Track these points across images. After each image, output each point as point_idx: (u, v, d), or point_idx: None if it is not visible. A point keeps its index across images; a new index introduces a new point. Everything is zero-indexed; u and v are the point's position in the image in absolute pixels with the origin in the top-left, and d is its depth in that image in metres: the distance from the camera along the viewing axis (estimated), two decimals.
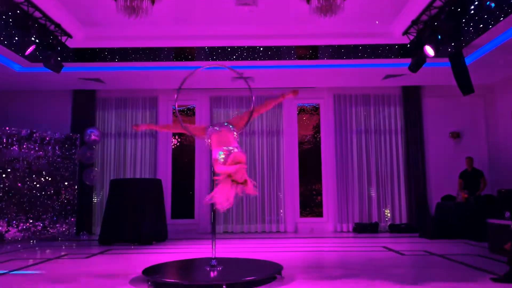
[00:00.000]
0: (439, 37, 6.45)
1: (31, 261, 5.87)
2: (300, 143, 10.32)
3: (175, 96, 4.67)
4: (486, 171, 9.29)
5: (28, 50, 6.82)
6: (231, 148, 4.25)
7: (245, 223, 9.76)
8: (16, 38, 7.35)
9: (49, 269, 5.32)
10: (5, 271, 5.08)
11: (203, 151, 9.92)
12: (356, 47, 8.28)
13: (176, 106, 4.75)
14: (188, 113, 10.48)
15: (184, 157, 10.71)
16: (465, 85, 7.40)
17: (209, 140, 4.55)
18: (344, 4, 5.89)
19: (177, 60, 8.54)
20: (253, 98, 4.79)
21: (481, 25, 6.94)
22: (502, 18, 6.56)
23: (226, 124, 4.67)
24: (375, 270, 4.98)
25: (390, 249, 6.70)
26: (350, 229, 9.67)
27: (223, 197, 3.98)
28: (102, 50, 8.41)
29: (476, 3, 6.19)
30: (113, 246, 7.44)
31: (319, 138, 10.29)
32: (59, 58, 7.47)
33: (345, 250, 6.89)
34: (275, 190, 9.89)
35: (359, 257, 6.04)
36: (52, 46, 7.06)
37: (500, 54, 7.69)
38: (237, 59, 8.44)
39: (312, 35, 8.01)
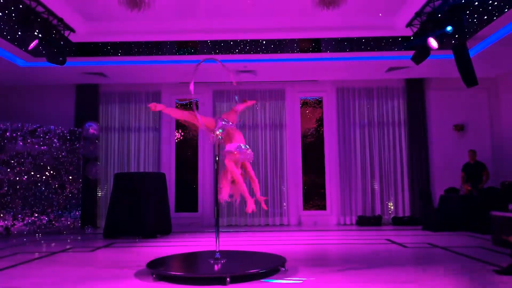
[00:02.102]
0: (449, 29, 6.37)
1: (36, 255, 5.92)
2: (303, 136, 10.32)
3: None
4: (489, 163, 9.27)
5: (32, 44, 6.82)
6: (247, 148, 4.52)
7: (249, 216, 9.78)
8: (19, 33, 7.36)
9: (54, 262, 5.37)
10: (12, 264, 5.13)
11: (206, 145, 9.94)
12: (359, 39, 8.25)
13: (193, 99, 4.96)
14: (190, 107, 10.48)
15: (188, 150, 10.75)
16: (469, 77, 7.35)
17: (219, 132, 4.67)
18: None
19: (180, 54, 8.54)
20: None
21: (485, 17, 6.89)
22: (506, 10, 6.51)
23: (226, 121, 4.81)
24: (378, 263, 5.00)
25: (393, 242, 6.72)
26: (353, 222, 9.70)
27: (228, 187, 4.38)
28: (105, 44, 8.42)
29: None
30: (117, 240, 7.49)
31: (322, 131, 10.28)
32: (61, 52, 7.48)
33: (348, 243, 6.91)
34: (279, 183, 9.90)
35: (362, 250, 6.06)
36: (55, 40, 7.07)
37: (504, 46, 7.64)
38: (239, 52, 8.43)
39: (315, 28, 7.99)
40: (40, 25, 6.75)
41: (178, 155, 10.32)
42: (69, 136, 9.12)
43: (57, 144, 8.88)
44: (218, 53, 8.39)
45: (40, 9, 6.70)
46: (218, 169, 4.89)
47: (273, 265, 4.42)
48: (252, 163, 10.43)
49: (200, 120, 4.76)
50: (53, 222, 8.72)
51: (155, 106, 4.68)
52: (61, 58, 7.34)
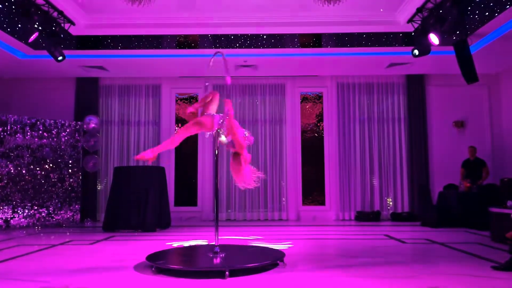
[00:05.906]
0: (451, 31, 6.34)
1: (36, 247, 5.94)
2: (303, 132, 10.32)
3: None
4: (489, 160, 9.27)
5: (32, 37, 6.80)
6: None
7: (248, 210, 9.81)
8: (19, 25, 7.34)
9: (54, 255, 5.38)
10: (11, 257, 5.15)
11: (206, 139, 9.93)
12: (360, 35, 8.23)
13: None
14: (191, 101, 10.47)
15: (187, 144, 10.73)
16: (469, 74, 7.36)
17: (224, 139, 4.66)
18: None
19: (180, 47, 8.52)
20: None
21: (487, 13, 6.87)
22: (508, 6, 6.49)
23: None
24: (377, 258, 5.02)
25: (391, 237, 6.74)
26: (352, 218, 9.72)
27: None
28: (105, 37, 8.39)
29: None
30: (117, 233, 7.51)
31: (322, 126, 10.28)
32: (62, 45, 7.46)
33: (347, 238, 6.93)
34: (278, 178, 9.91)
35: (361, 245, 6.08)
36: (55, 33, 7.05)
37: (506, 43, 7.63)
38: (240, 47, 8.40)
39: (315, 23, 7.96)
40: (40, 18, 6.72)
41: (178, 149, 10.29)
42: (69, 129, 9.11)
43: (57, 137, 8.88)
44: (218, 47, 8.36)
45: (40, 1, 6.68)
46: (217, 163, 4.89)
47: (272, 259, 4.44)
48: (252, 158, 10.49)
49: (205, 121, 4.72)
50: (53, 215, 8.73)
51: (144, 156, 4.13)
52: (60, 57, 7.33)
